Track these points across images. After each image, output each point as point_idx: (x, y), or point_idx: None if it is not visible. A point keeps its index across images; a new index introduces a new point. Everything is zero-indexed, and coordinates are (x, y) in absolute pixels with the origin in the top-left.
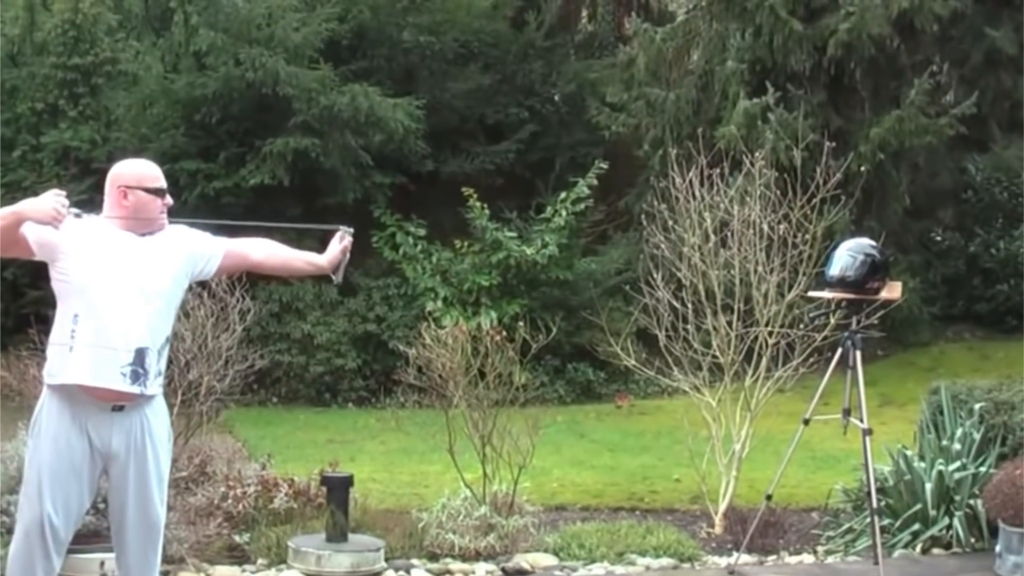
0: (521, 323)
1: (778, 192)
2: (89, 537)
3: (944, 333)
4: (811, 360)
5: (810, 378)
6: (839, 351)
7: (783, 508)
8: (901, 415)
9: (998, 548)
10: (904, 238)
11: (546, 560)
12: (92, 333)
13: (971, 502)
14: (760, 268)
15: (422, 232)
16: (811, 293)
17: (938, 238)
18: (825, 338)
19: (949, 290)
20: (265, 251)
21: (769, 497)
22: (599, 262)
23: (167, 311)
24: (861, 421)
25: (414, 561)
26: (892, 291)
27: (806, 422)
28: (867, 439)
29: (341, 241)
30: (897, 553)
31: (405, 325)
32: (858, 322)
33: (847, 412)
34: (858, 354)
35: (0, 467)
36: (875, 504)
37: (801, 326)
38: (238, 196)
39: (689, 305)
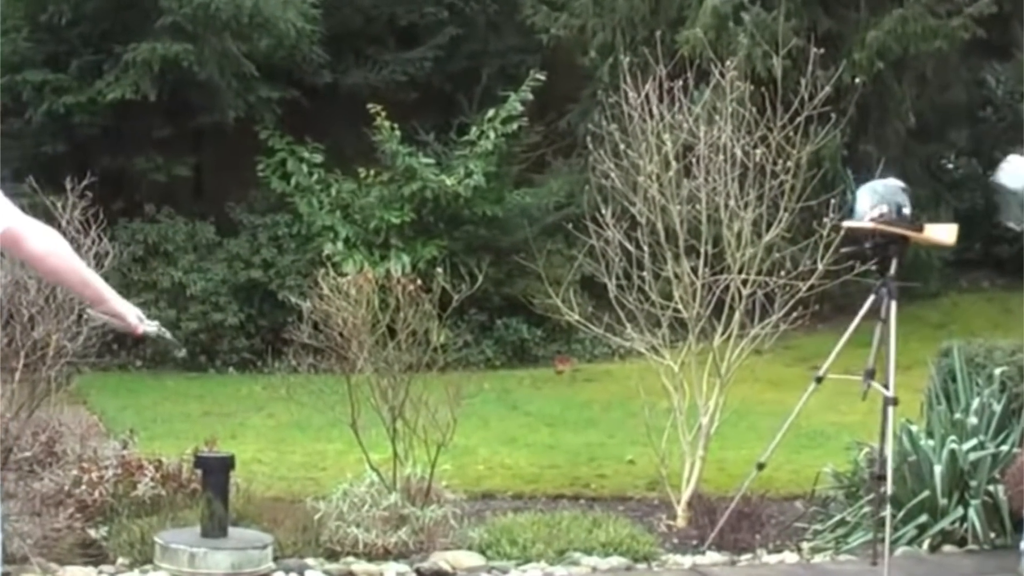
0: (440, 269)
1: (754, 110)
2: None
3: (957, 282)
4: (794, 315)
5: (793, 337)
6: (869, 300)
7: (760, 496)
8: (905, 382)
9: (1021, 543)
10: (908, 166)
11: (470, 560)
12: None
13: (990, 488)
14: (732, 202)
15: (318, 158)
16: (847, 224)
17: (950, 165)
18: (812, 288)
19: (963, 229)
20: (47, 247)
21: (761, 466)
22: (535, 195)
23: None
24: (887, 387)
25: (309, 561)
26: (947, 233)
27: (819, 380)
28: (890, 410)
29: (136, 326)
30: (900, 550)
31: (298, 272)
32: (899, 266)
33: (870, 374)
34: (893, 305)
35: None
36: (888, 491)
37: (783, 273)
38: (94, 114)
39: (645, 247)
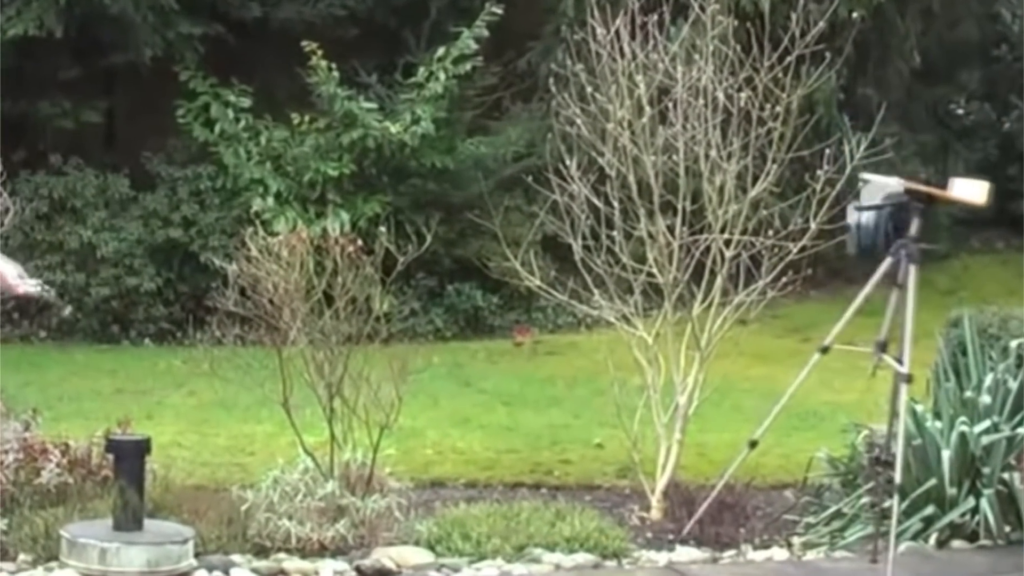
0: (383, 228)
1: (738, 48)
2: None
3: (968, 242)
4: (783, 280)
5: (782, 305)
6: (885, 263)
7: (745, 485)
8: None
9: None
10: (912, 111)
11: (417, 556)
12: None
13: (1005, 476)
14: (713, 153)
15: (246, 103)
16: (865, 176)
17: (960, 111)
18: (803, 249)
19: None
20: None
21: (753, 444)
22: (491, 144)
23: None
24: (900, 362)
25: (235, 557)
26: (977, 192)
27: (824, 351)
28: (903, 388)
29: (16, 285)
30: (903, 546)
31: (222, 231)
32: (920, 228)
33: (882, 347)
34: (913, 270)
35: None
36: (896, 479)
37: (770, 232)
38: None
39: (615, 203)
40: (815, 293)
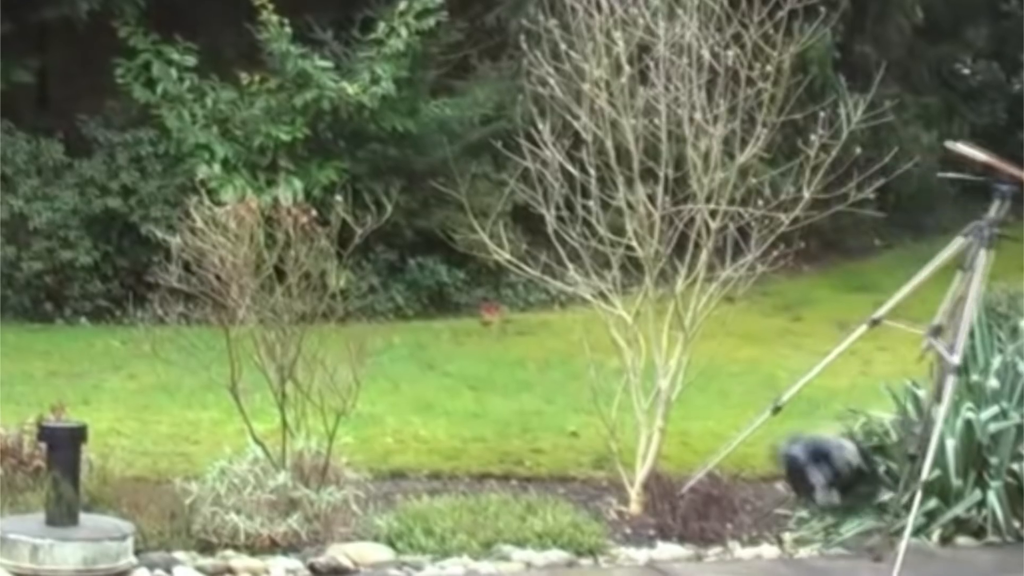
0: (339, 198)
1: (725, 2)
2: None
3: (975, 213)
4: (774, 254)
5: (773, 281)
6: (955, 243)
7: (733, 476)
8: (911, 336)
9: None
10: (914, 70)
11: (376, 553)
12: None
13: (1015, 467)
14: (698, 115)
15: (191, 61)
16: (953, 145)
17: (966, 71)
18: (795, 221)
19: (982, 148)
20: None
21: (777, 409)
22: (456, 106)
23: None
24: (952, 352)
25: (178, 554)
26: None
27: (875, 322)
28: (950, 379)
29: None
30: (905, 542)
31: (165, 201)
32: (1000, 210)
33: (936, 331)
34: (983, 255)
35: None
36: (925, 474)
37: (760, 202)
38: None
39: (592, 171)
40: (808, 268)
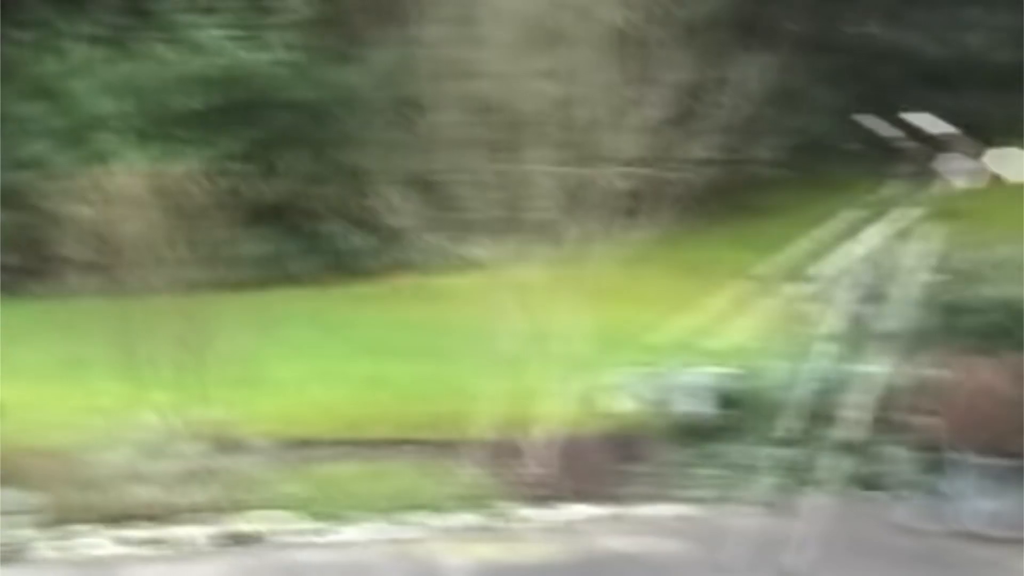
0: (241, 166)
1: None
2: None
3: (882, 173)
4: (677, 214)
5: (677, 242)
6: (869, 209)
7: (639, 434)
8: (795, 291)
9: (960, 489)
10: (820, 31)
11: (283, 520)
12: None
13: (920, 421)
14: (599, 78)
15: (87, 29)
16: (910, 116)
17: (871, 32)
18: (701, 181)
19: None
20: None
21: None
22: (357, 73)
23: None
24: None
25: (85, 527)
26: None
27: (755, 280)
28: (867, 342)
29: None
30: (809, 497)
31: (63, 172)
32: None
33: (845, 290)
34: (908, 222)
35: None
36: (839, 430)
37: (662, 163)
38: None
39: (497, 136)
40: (717, 230)
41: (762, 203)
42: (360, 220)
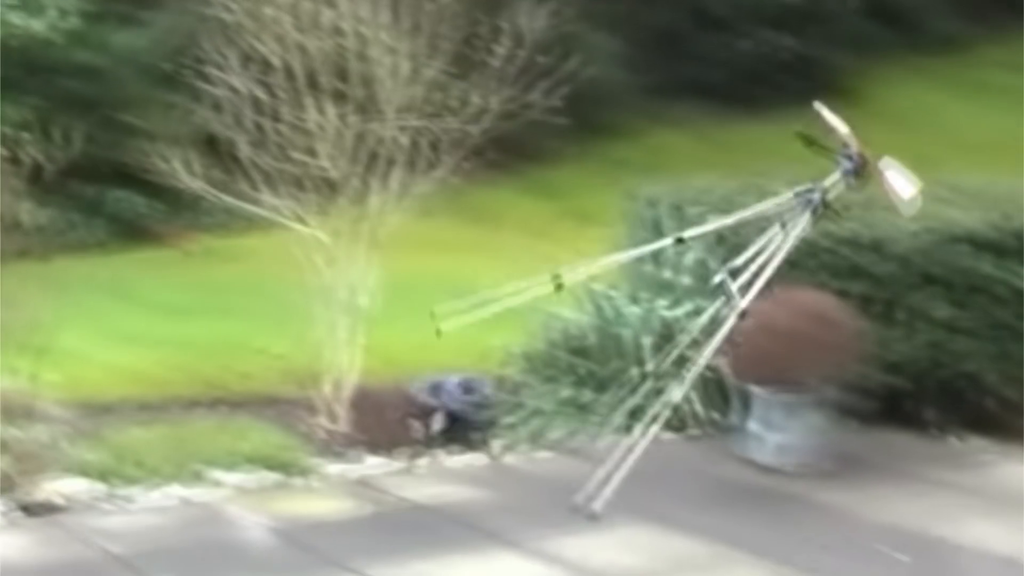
0: (28, 135)
1: None
2: None
3: (657, 117)
4: (466, 165)
5: (468, 192)
6: (781, 198)
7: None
8: (601, 235)
9: (751, 425)
10: None
11: (86, 488)
12: None
13: (710, 361)
14: (384, 33)
15: None
16: (818, 106)
17: None
18: (485, 131)
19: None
20: None
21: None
22: (143, 37)
23: None
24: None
25: None
26: (905, 186)
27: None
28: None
29: None
30: (608, 440)
31: None
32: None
33: (734, 272)
34: (806, 217)
35: None
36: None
37: (449, 116)
38: None
39: (281, 95)
40: (501, 178)
41: (543, 150)
42: (147, 184)
